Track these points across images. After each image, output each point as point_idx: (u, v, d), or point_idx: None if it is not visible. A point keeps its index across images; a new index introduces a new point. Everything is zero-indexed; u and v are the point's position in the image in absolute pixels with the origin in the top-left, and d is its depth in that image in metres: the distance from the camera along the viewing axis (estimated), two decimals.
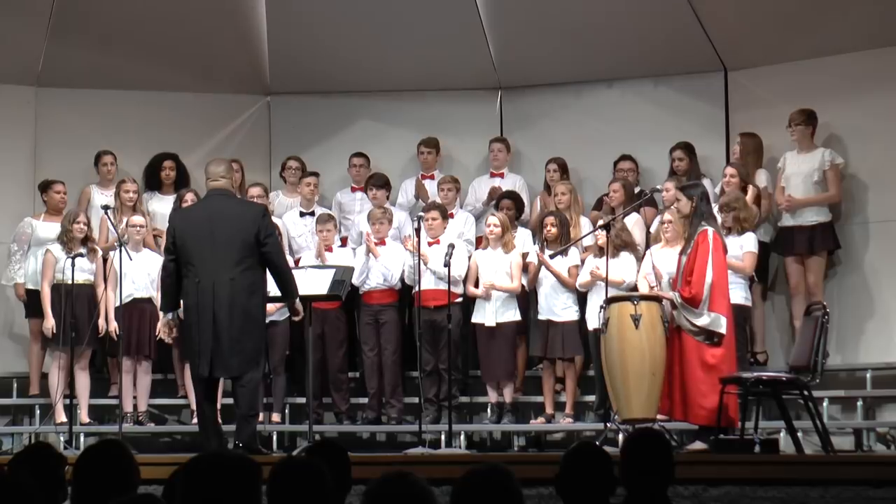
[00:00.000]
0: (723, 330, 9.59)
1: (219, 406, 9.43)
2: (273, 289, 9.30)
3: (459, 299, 11.22)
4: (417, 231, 10.70)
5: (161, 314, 9.43)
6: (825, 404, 10.64)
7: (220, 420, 9.39)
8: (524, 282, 11.36)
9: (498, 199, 11.93)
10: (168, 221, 9.77)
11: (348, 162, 12.50)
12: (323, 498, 4.11)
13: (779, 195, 11.26)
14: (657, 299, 9.89)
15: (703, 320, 9.58)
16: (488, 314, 11.27)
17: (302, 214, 12.01)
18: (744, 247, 10.48)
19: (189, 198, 11.70)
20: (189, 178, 12.51)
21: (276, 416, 11.43)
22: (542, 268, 11.20)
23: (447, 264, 10.45)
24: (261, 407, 9.69)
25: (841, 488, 7.85)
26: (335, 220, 11.78)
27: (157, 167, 12.43)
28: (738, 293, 10.30)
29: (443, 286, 10.74)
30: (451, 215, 11.81)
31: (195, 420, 11.44)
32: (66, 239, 11.26)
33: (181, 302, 9.19)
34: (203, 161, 12.65)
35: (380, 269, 11.44)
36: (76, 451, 10.21)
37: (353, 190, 12.52)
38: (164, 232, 11.82)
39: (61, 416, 11.01)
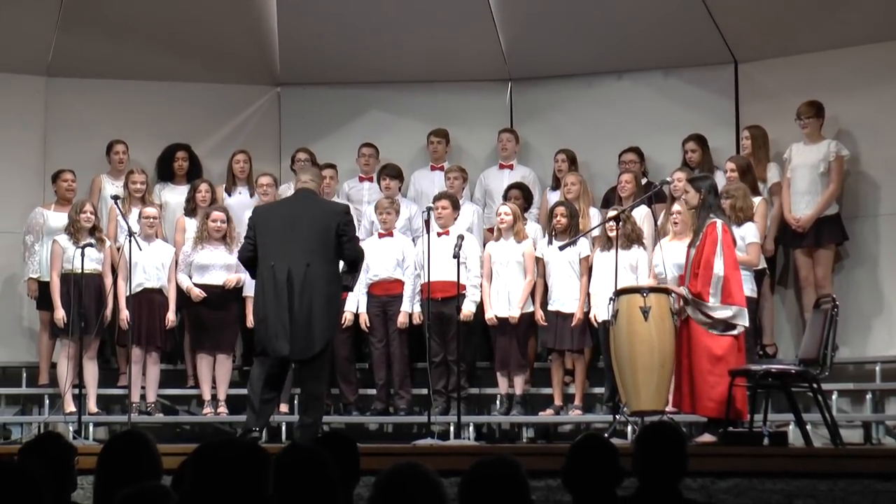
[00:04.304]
0: (746, 322, 9.59)
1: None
2: None
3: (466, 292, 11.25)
4: (427, 223, 10.72)
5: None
6: (834, 397, 10.64)
7: (275, 408, 9.82)
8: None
9: (506, 189, 11.94)
10: (251, 213, 10.01)
11: (357, 152, 12.50)
12: (327, 485, 4.12)
13: (787, 213, 11.23)
14: (666, 291, 9.87)
15: (725, 313, 9.54)
16: (502, 305, 11.27)
17: None
18: (746, 238, 10.41)
19: (203, 188, 11.79)
20: (202, 168, 12.53)
21: (283, 407, 11.42)
22: (552, 259, 11.21)
23: (456, 255, 10.45)
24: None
25: (850, 481, 7.86)
26: None
27: (170, 158, 12.44)
28: (745, 285, 10.26)
29: (452, 278, 10.72)
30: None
31: (206, 410, 11.51)
32: (73, 229, 11.27)
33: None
34: (213, 151, 12.83)
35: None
36: (85, 441, 10.28)
37: (361, 180, 12.53)
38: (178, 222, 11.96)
39: (70, 406, 11.01)
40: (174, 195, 12.29)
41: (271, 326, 9.27)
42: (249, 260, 9.53)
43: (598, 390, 11.27)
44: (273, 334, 9.26)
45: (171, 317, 11.49)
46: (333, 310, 9.56)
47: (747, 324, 9.61)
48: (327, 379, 9.76)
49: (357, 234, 10.11)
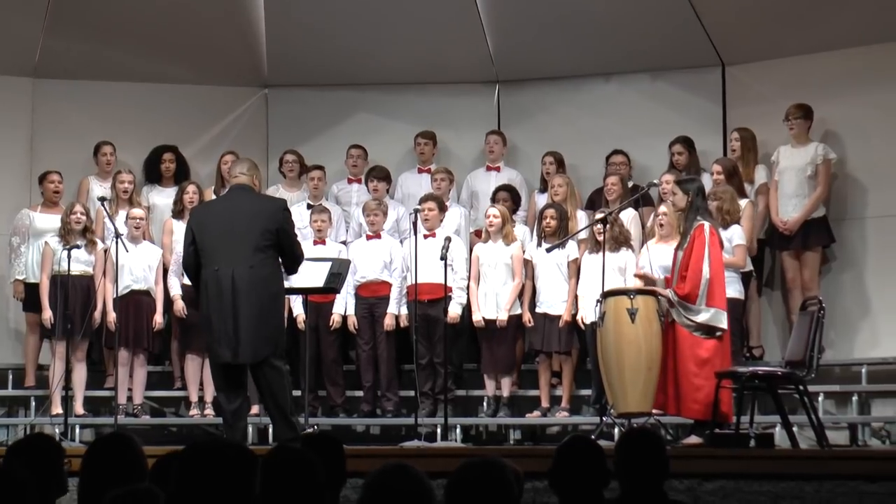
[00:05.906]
0: (724, 325, 9.59)
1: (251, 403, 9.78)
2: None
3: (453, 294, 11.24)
4: (414, 224, 10.71)
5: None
6: (820, 399, 10.65)
7: (247, 412, 9.40)
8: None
9: (494, 191, 11.93)
10: (189, 216, 9.72)
11: (345, 153, 12.49)
12: (314, 487, 4.11)
13: (774, 216, 11.25)
14: (654, 293, 9.89)
15: (702, 316, 9.57)
16: (489, 307, 11.27)
17: (309, 207, 11.92)
18: (732, 240, 10.42)
19: (191, 189, 11.74)
20: (189, 170, 12.51)
21: None
22: (540, 261, 11.21)
23: (443, 257, 10.45)
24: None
25: (835, 483, 7.87)
26: (330, 211, 11.75)
27: (157, 160, 12.42)
28: (732, 287, 10.27)
29: (438, 280, 10.72)
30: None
31: (192, 412, 11.50)
32: (64, 231, 11.26)
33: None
34: (200, 153, 12.83)
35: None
36: (71, 443, 10.25)
37: (349, 181, 12.53)
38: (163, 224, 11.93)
39: (57, 408, 11.00)
40: (161, 197, 12.27)
41: (215, 332, 8.90)
42: (194, 266, 9.04)
43: (585, 392, 11.27)
44: (216, 340, 8.91)
45: (158, 319, 11.48)
46: (279, 309, 9.24)
47: (725, 326, 9.61)
48: (290, 389, 9.15)
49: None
